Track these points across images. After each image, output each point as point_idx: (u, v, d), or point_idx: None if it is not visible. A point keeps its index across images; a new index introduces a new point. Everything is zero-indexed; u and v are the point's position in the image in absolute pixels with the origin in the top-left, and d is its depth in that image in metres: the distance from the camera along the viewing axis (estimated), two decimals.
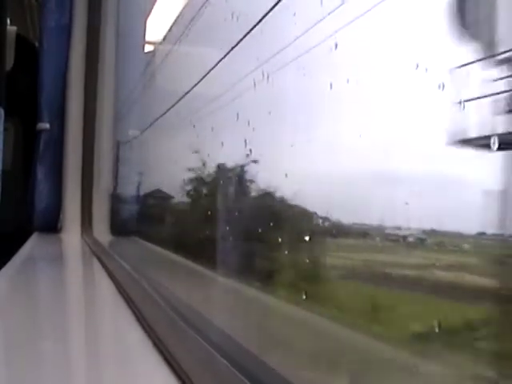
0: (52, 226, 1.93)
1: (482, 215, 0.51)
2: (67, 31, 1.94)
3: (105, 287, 1.11)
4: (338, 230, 0.81)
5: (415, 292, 0.67)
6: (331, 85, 0.72)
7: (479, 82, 0.50)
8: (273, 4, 0.89)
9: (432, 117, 0.58)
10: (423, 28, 0.61)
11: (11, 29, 1.77)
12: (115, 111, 2.12)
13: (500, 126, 0.47)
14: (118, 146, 2.30)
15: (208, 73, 1.29)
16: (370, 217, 0.70)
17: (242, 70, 1.05)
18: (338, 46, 0.70)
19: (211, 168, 1.35)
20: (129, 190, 2.31)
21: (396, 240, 0.67)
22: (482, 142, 0.47)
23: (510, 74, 0.46)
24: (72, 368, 0.63)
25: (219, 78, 1.26)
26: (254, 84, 0.91)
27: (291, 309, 0.84)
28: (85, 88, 1.97)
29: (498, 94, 0.47)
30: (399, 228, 0.67)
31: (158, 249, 1.76)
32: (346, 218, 0.77)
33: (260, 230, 1.01)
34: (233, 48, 1.17)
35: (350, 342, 0.69)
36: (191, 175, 1.45)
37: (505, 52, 0.46)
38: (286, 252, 0.98)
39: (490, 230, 0.51)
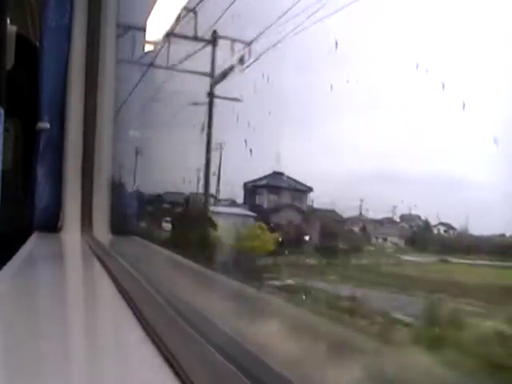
0: (52, 225, 1.93)
1: None
2: (67, 31, 1.94)
3: (105, 286, 1.11)
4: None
5: None
6: (331, 86, 0.72)
7: None
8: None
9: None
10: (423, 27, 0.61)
11: (11, 28, 1.77)
12: (115, 110, 2.11)
13: None
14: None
15: None
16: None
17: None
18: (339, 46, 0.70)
19: None
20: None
21: None
22: None
23: None
24: (72, 367, 0.63)
25: None
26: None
27: None
28: (85, 87, 1.97)
29: None
30: None
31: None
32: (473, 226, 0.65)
33: None
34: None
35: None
36: None
37: None
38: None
39: None
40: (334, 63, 0.75)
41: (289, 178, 1.11)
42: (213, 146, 1.43)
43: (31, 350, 0.63)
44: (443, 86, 0.56)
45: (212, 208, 1.66)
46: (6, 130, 1.54)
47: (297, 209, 1.13)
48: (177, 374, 0.55)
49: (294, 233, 1.11)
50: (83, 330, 0.82)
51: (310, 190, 1.06)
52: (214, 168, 1.57)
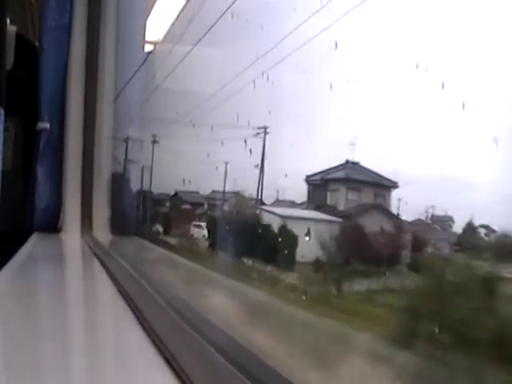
0: (52, 225, 1.92)
1: None
2: (67, 31, 1.94)
3: (105, 287, 1.11)
4: None
5: None
6: (331, 85, 0.72)
7: None
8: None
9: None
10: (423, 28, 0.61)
11: (11, 28, 1.77)
12: (115, 110, 2.11)
13: None
14: None
15: None
16: None
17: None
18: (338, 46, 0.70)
19: None
20: None
21: None
22: None
23: None
24: (72, 368, 0.63)
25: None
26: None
27: None
28: (85, 87, 1.97)
29: None
30: None
31: None
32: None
33: None
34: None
35: None
36: None
37: None
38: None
39: None
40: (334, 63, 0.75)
41: (368, 169, 0.81)
42: (254, 130, 1.05)
43: (31, 350, 0.63)
44: (443, 85, 0.56)
45: (269, 209, 1.20)
46: (5, 129, 1.54)
47: (385, 211, 0.82)
48: (176, 373, 0.55)
49: (389, 245, 0.79)
50: (83, 330, 0.82)
51: (395, 185, 0.78)
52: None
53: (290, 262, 1.03)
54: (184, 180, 1.78)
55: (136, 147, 2.26)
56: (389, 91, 0.69)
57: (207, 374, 0.55)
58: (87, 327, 0.83)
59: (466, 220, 0.65)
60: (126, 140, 2.20)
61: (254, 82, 1.01)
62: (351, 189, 0.90)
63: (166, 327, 0.70)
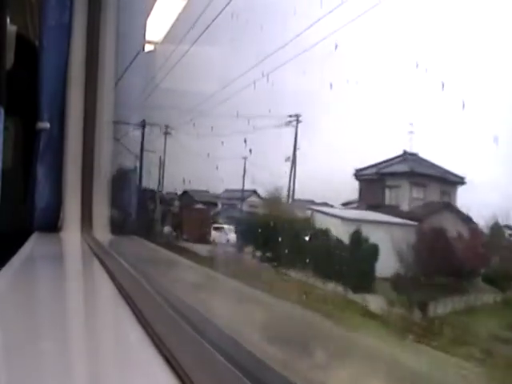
0: (52, 225, 1.92)
1: None
2: (67, 30, 1.94)
3: (105, 287, 1.11)
4: None
5: None
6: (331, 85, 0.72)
7: None
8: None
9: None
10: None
11: (11, 28, 1.77)
12: (115, 110, 2.11)
13: None
14: None
15: None
16: None
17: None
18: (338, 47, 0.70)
19: None
20: None
21: None
22: None
23: None
24: (72, 367, 0.63)
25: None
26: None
27: None
28: (85, 87, 1.97)
29: None
30: None
31: None
32: None
33: None
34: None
35: None
36: None
37: None
38: None
39: None
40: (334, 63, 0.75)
41: (429, 161, 0.64)
42: (284, 119, 0.95)
43: (31, 350, 0.63)
44: (443, 85, 0.56)
45: (326, 211, 0.94)
46: (5, 128, 1.54)
47: (456, 212, 0.66)
48: (176, 373, 0.55)
49: (470, 254, 0.64)
50: (83, 330, 0.82)
51: (462, 181, 0.62)
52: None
53: (367, 280, 0.84)
54: (184, 179, 1.78)
55: (150, 138, 2.17)
56: (389, 91, 0.69)
57: (207, 374, 0.55)
58: (87, 327, 0.83)
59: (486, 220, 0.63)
60: (143, 125, 2.07)
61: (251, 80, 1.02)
62: (416, 185, 0.80)
63: (166, 327, 0.70)
